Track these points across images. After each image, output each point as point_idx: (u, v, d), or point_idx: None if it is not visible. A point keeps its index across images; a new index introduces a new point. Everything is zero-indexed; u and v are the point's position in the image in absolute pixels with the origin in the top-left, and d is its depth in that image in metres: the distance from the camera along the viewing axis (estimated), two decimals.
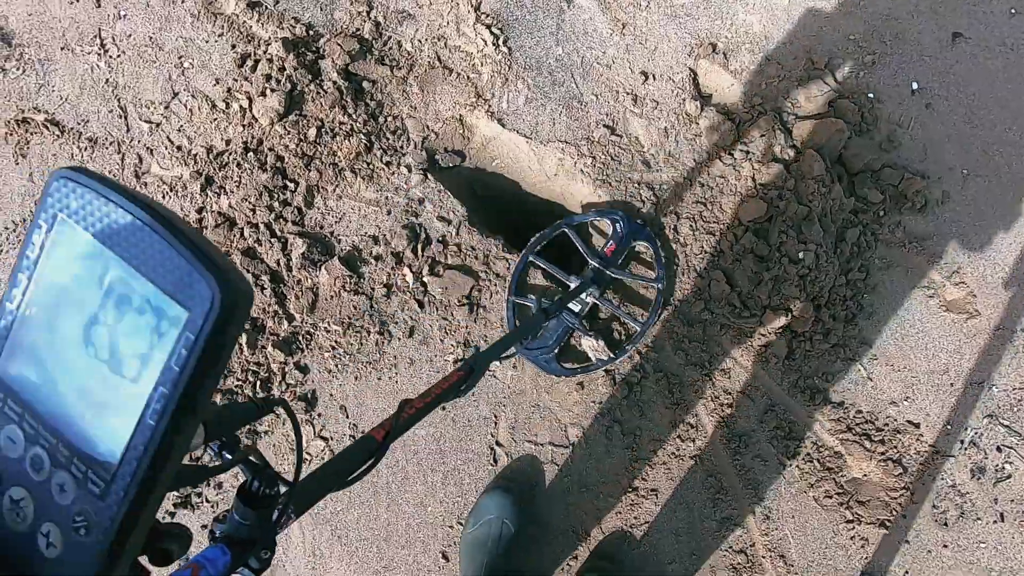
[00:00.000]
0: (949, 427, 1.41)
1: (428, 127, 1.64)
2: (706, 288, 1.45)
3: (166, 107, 1.67)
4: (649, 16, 1.69)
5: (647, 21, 1.68)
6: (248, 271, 1.49)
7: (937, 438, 1.40)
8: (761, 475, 1.38)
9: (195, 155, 1.62)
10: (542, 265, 1.45)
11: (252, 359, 1.44)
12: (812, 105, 1.54)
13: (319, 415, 1.44)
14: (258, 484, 0.50)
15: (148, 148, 1.63)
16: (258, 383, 1.43)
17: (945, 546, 1.36)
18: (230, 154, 1.61)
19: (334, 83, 1.63)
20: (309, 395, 1.44)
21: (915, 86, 1.59)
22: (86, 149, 1.64)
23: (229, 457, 0.48)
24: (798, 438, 1.40)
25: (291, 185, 1.57)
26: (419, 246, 1.52)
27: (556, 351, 1.40)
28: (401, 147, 1.62)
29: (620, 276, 1.42)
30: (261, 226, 1.53)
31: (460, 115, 1.66)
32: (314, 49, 1.68)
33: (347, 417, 1.44)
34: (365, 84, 1.66)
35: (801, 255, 1.38)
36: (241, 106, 1.65)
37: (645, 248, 1.47)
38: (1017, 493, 1.37)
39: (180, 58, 1.71)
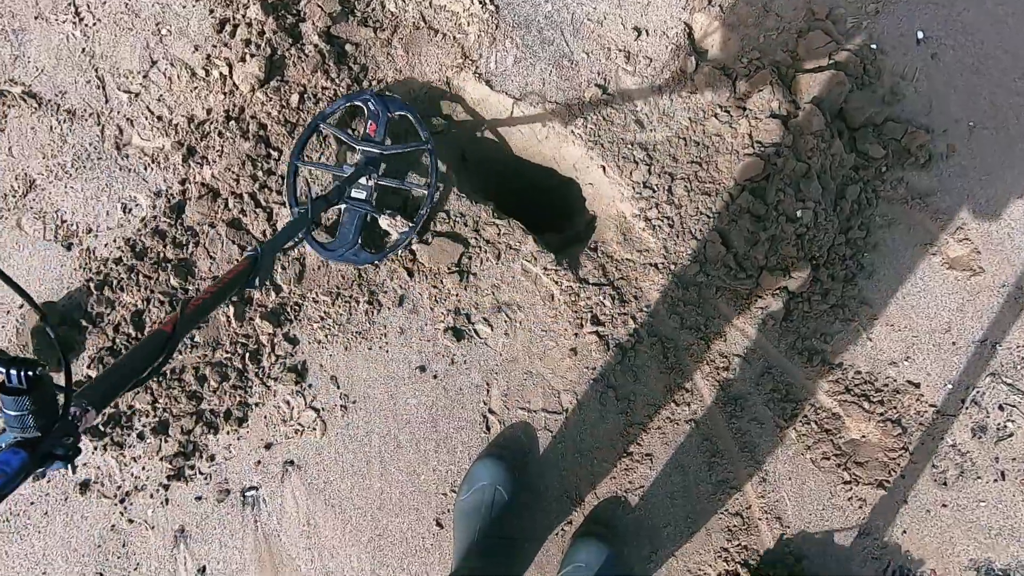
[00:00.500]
0: (950, 386, 1.38)
1: (414, 91, 1.59)
2: (701, 250, 1.42)
3: (145, 76, 1.62)
4: None
5: None
6: (234, 243, 1.47)
7: (938, 398, 1.37)
8: (757, 438, 1.37)
9: (176, 125, 1.58)
10: (311, 167, 1.46)
11: (240, 331, 1.42)
12: (812, 58, 1.47)
13: (309, 386, 1.43)
14: (7, 371, 0.50)
15: (128, 119, 1.59)
16: (247, 355, 1.41)
17: (944, 505, 1.34)
18: (211, 123, 1.56)
19: (315, 46, 1.57)
20: (299, 366, 1.43)
21: (920, 35, 1.52)
22: (65, 121, 1.60)
23: None
24: (795, 400, 1.38)
25: (274, 154, 1.53)
26: (404, 209, 1.49)
27: (359, 242, 1.42)
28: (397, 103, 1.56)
29: (390, 151, 1.44)
30: (246, 196, 1.50)
31: (447, 77, 1.61)
32: (294, 12, 1.62)
33: (338, 387, 1.43)
34: (348, 47, 1.60)
35: (799, 214, 1.34)
36: (221, 73, 1.60)
37: (404, 116, 1.48)
38: (1019, 451, 1.35)
39: (157, 25, 1.65)
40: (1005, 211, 1.44)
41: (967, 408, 1.37)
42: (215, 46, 1.63)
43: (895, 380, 1.39)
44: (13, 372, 0.51)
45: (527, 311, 1.44)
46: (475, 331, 1.43)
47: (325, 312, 1.45)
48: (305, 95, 1.55)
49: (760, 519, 1.35)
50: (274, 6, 1.61)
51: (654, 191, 1.46)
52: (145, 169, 1.56)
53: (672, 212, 1.46)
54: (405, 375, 1.42)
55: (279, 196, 1.50)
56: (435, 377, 1.41)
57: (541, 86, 1.56)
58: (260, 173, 1.51)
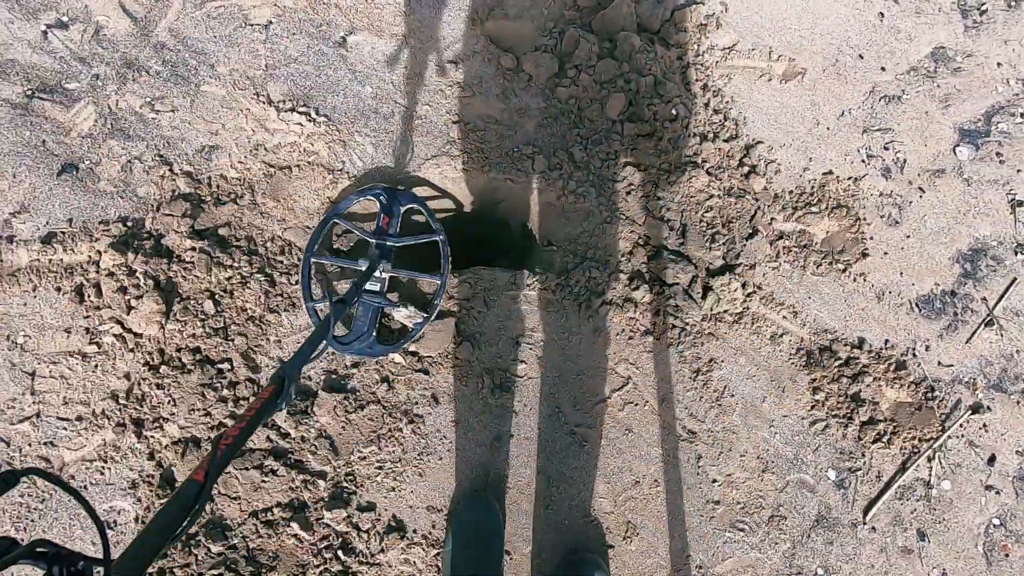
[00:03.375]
0: (847, 157, 1.66)
1: (308, 227, 1.57)
2: (627, 185, 1.56)
3: (32, 393, 1.42)
4: (422, 11, 1.74)
5: (421, 20, 1.74)
6: (247, 468, 1.34)
7: (847, 171, 1.65)
8: (773, 281, 1.54)
9: (104, 412, 1.41)
10: (327, 262, 1.48)
11: (315, 537, 1.30)
12: (590, 0, 1.70)
13: (414, 531, 1.34)
14: (60, 570, 0.48)
15: (46, 443, 1.39)
16: (340, 552, 1.30)
17: (908, 236, 1.61)
18: (139, 385, 1.42)
19: (192, 249, 1.49)
20: (393, 523, 1.34)
21: None
22: None
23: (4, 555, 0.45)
24: (757, 234, 1.57)
25: (226, 365, 1.43)
26: (383, 328, 1.46)
27: (374, 334, 1.41)
28: (298, 261, 1.53)
29: (403, 243, 1.48)
30: (227, 421, 1.38)
31: (328, 197, 1.61)
32: (146, 235, 1.53)
33: (439, 511, 1.36)
34: (222, 231, 1.54)
35: (674, 111, 1.54)
36: (115, 334, 1.45)
37: (416, 209, 1.54)
38: (918, 166, 1.66)
39: (8, 339, 1.46)
40: (786, 22, 1.77)
41: (868, 163, 1.66)
42: (87, 316, 1.48)
43: (815, 179, 1.64)
44: (58, 570, 0.47)
45: (540, 327, 1.49)
46: (515, 375, 1.45)
47: (379, 461, 1.37)
48: (215, 296, 1.47)
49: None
50: (124, 242, 1.50)
51: (560, 169, 1.59)
52: (102, 474, 1.37)
53: (583, 174, 1.59)
54: (490, 456, 1.39)
55: (251, 399, 1.40)
56: (512, 436, 1.40)
57: (412, 150, 1.63)
58: (226, 391, 1.40)
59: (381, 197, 1.50)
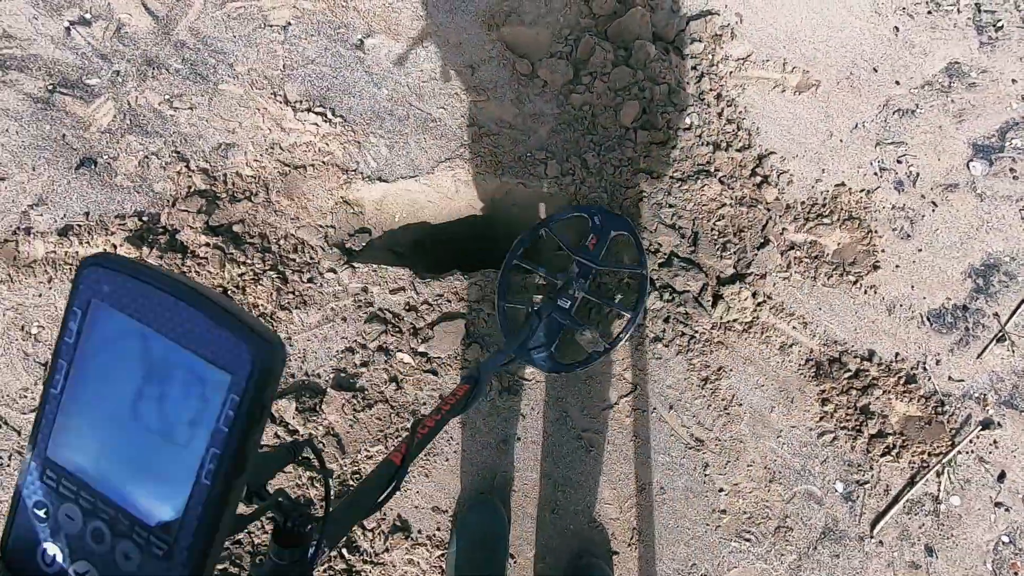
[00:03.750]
0: (859, 168, 1.66)
1: (321, 226, 1.59)
2: (637, 192, 1.57)
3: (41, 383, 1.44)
4: (438, 16, 1.76)
5: (437, 25, 1.76)
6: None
7: (859, 183, 1.65)
8: (785, 294, 1.54)
9: None
10: (527, 267, 1.47)
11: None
12: (606, 8, 1.71)
13: (419, 531, 1.35)
14: (291, 524, 0.52)
15: None
16: (344, 551, 1.30)
17: (920, 250, 1.61)
18: None
19: (207, 245, 1.51)
20: (399, 522, 1.34)
21: None
22: None
23: (261, 502, 0.49)
24: (769, 243, 1.57)
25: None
26: (392, 327, 1.47)
27: (552, 349, 1.40)
28: (311, 259, 1.54)
29: (605, 268, 1.46)
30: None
31: (341, 197, 1.62)
32: (161, 229, 1.54)
33: (444, 512, 1.36)
34: (236, 228, 1.56)
35: (688, 120, 1.55)
36: None
37: (625, 237, 1.51)
38: (931, 180, 1.66)
39: (23, 329, 1.48)
40: (800, 34, 1.78)
41: (881, 176, 1.66)
42: None
43: (827, 190, 1.64)
44: (290, 523, 0.51)
45: None
46: (522, 377, 1.45)
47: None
48: (227, 291, 1.48)
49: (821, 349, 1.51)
50: (140, 237, 1.52)
51: (573, 174, 1.60)
52: None
53: (596, 180, 1.60)
54: (497, 459, 1.40)
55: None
56: (519, 439, 1.40)
57: (426, 153, 1.64)
58: None
59: (595, 217, 1.47)
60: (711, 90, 1.67)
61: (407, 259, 1.70)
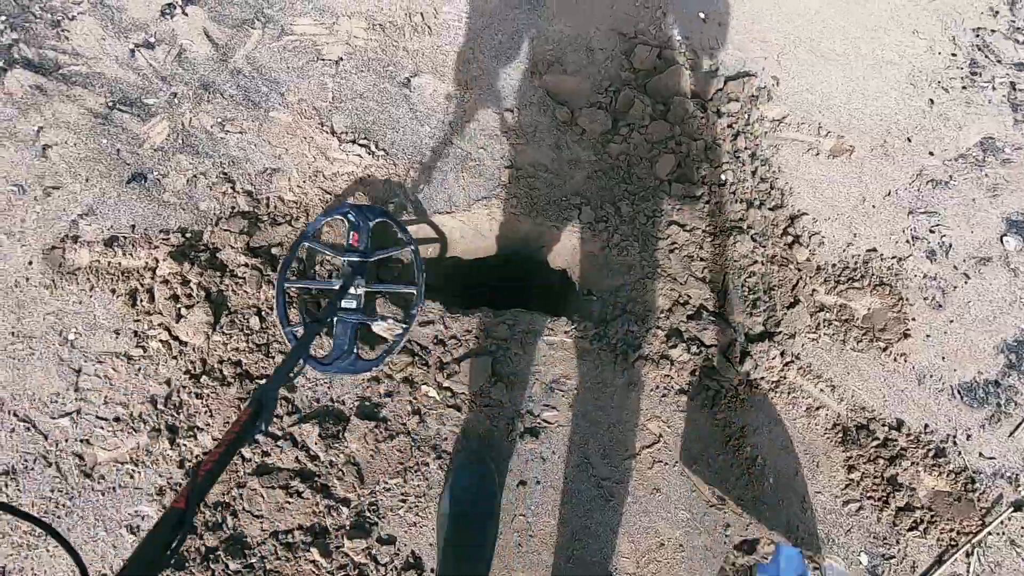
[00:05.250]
0: (893, 236, 1.67)
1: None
2: (668, 242, 1.59)
3: (76, 389, 1.46)
4: (484, 60, 1.83)
5: (482, 68, 1.82)
6: (273, 487, 1.34)
7: (891, 249, 1.65)
8: (813, 355, 1.53)
9: (141, 415, 1.43)
10: (300, 286, 1.50)
11: (333, 565, 1.29)
12: (646, 64, 1.77)
13: (431, 570, 1.32)
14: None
15: (82, 440, 1.41)
16: None
17: (951, 321, 1.60)
18: (179, 392, 1.44)
19: (245, 265, 1.54)
20: (412, 559, 1.32)
21: (702, 15, 1.90)
22: (7, 484, 1.38)
23: None
24: (799, 304, 1.57)
25: (262, 380, 1.45)
26: (419, 360, 1.48)
27: (356, 352, 1.43)
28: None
29: (376, 257, 1.50)
30: (259, 437, 1.39)
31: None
32: (203, 247, 1.59)
33: None
34: (274, 251, 1.59)
35: (722, 176, 1.58)
36: (162, 340, 1.49)
37: (384, 223, 1.56)
38: (964, 252, 1.66)
39: (60, 334, 1.51)
40: (836, 100, 1.82)
41: (913, 244, 1.67)
42: (137, 320, 1.53)
43: (858, 255, 1.65)
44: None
45: (574, 375, 1.49)
46: (546, 421, 1.44)
47: (403, 494, 1.37)
48: (262, 312, 1.51)
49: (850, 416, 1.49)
50: (183, 252, 1.56)
51: (607, 221, 1.63)
52: (131, 478, 1.38)
53: (628, 228, 1.62)
54: (512, 499, 1.38)
55: (289, 417, 1.42)
56: (538, 483, 1.39)
57: (464, 191, 1.68)
58: None
59: (349, 215, 1.52)
60: (746, 148, 1.71)
61: (437, 292, 1.73)
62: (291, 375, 0.96)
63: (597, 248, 1.62)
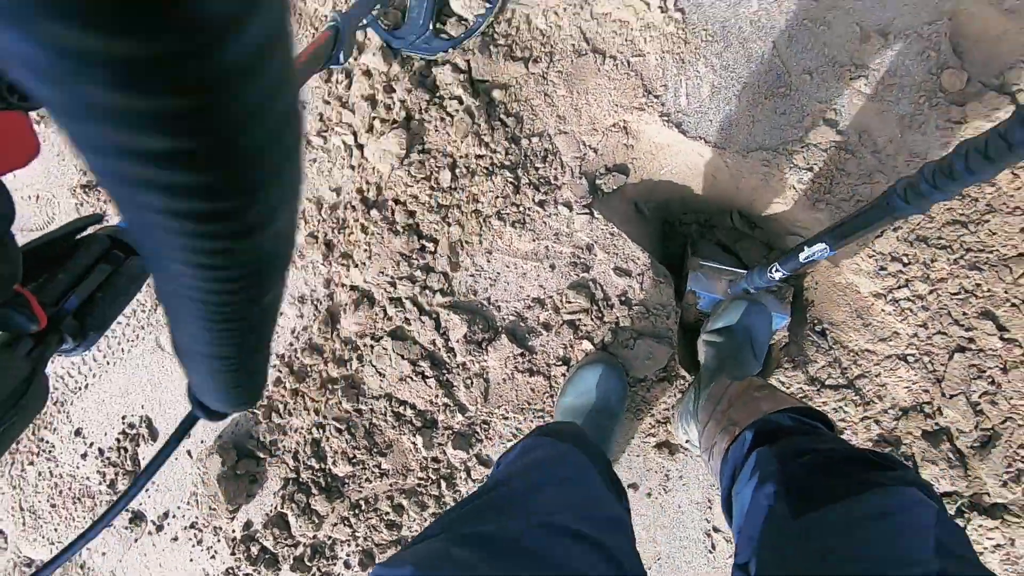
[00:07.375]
0: None
1: (584, 143, 1.28)
2: (965, 342, 1.17)
3: None
4: None
5: None
6: (403, 356, 1.29)
7: None
8: None
9: (303, 212, 1.33)
10: None
11: (429, 456, 1.30)
12: None
13: None
14: None
15: None
16: (441, 481, 1.31)
17: None
18: (346, 209, 1.31)
19: (459, 100, 1.24)
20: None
21: None
22: None
23: None
24: None
25: (430, 246, 1.29)
26: (595, 308, 1.26)
27: (430, 29, 1.25)
28: (554, 177, 1.27)
29: None
30: (406, 302, 1.29)
31: (624, 120, 1.27)
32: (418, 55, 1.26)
33: None
34: (495, 93, 1.26)
35: None
36: (344, 142, 1.30)
37: None
38: None
39: None
40: None
41: None
42: (327, 101, 1.31)
43: None
44: None
45: None
46: (691, 443, 1.28)
47: (517, 430, 1.30)
48: (456, 168, 1.26)
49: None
50: (395, 52, 1.25)
51: (904, 264, 1.19)
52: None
53: (926, 290, 1.19)
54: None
55: (443, 298, 1.29)
56: (648, 495, 1.29)
57: (751, 126, 1.22)
58: (418, 272, 1.29)
59: None
60: None
61: (646, 222, 1.41)
62: (364, 16, 1.02)
63: (870, 288, 1.22)
